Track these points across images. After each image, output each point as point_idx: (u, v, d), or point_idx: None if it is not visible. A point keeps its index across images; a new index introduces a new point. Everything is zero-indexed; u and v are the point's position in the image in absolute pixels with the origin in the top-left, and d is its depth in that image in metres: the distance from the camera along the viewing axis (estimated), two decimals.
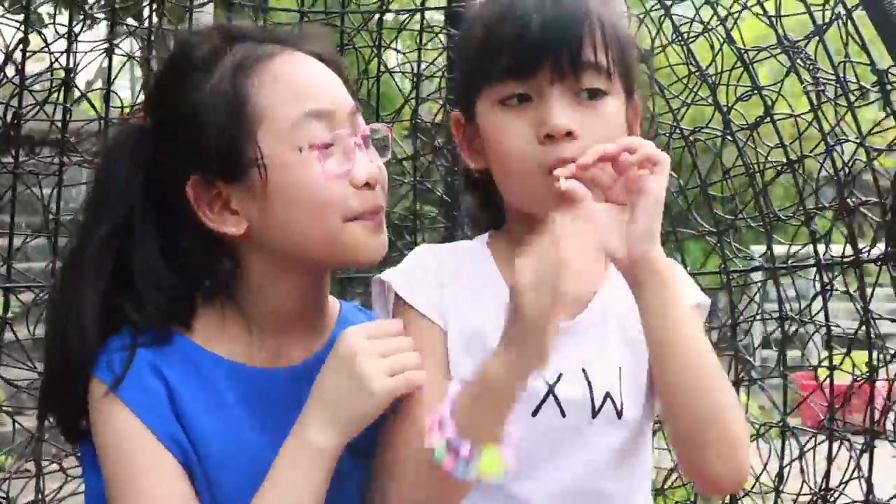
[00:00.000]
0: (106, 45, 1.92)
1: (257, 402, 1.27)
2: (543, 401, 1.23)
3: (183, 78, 1.25)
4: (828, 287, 1.81)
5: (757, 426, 1.95)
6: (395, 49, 2.18)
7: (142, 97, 1.95)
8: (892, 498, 1.69)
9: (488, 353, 1.22)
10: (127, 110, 2.05)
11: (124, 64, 2.10)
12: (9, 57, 1.78)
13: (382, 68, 2.19)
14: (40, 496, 1.89)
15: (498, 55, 1.21)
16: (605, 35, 1.21)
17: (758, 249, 1.99)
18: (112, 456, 1.19)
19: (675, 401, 1.17)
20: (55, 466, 1.92)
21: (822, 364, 1.83)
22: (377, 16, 2.15)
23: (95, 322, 1.23)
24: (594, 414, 1.23)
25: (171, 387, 1.21)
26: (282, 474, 1.21)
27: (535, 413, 1.23)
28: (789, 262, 1.89)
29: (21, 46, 1.78)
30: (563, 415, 1.23)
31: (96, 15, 1.95)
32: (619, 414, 1.23)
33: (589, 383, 1.23)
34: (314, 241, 1.24)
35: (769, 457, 1.92)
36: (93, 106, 2.00)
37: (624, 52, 1.25)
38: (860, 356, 1.78)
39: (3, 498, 1.85)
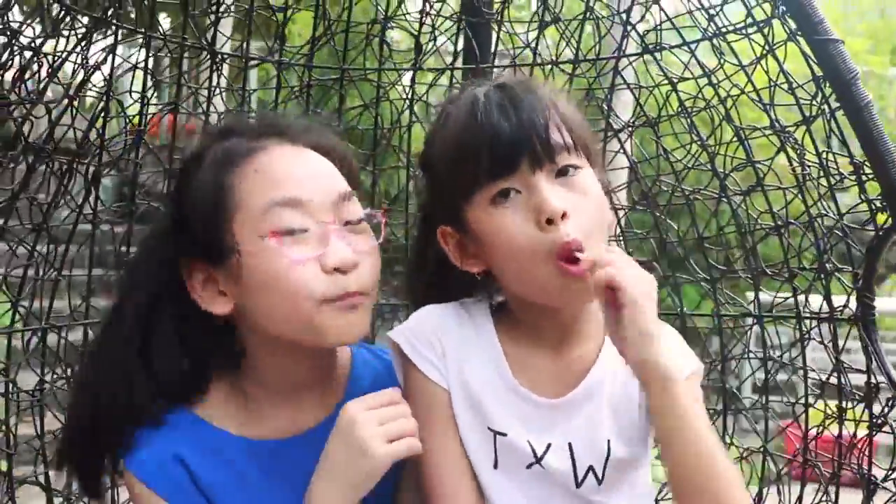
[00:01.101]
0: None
1: (279, 474, 1.38)
2: (533, 464, 1.39)
3: (186, 172, 1.40)
4: (806, 337, 2.08)
5: (740, 450, 2.23)
6: (426, 102, 2.40)
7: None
8: None
9: (484, 414, 1.39)
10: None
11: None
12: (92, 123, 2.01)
13: (414, 119, 2.42)
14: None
15: (478, 161, 1.30)
16: (564, 118, 1.35)
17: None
18: None
19: (679, 483, 1.27)
20: None
21: (799, 402, 2.12)
22: (411, 72, 2.39)
23: (141, 383, 1.36)
24: (577, 484, 1.38)
25: (194, 475, 1.35)
26: None
27: (528, 467, 1.39)
28: (773, 311, 2.16)
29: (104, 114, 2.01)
30: (550, 475, 1.38)
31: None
32: (600, 483, 1.38)
33: (573, 458, 1.38)
34: (289, 323, 1.32)
35: (751, 477, 2.21)
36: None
37: (580, 131, 1.38)
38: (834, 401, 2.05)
39: None
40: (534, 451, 1.40)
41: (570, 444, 1.39)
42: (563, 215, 1.30)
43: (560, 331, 1.43)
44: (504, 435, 1.41)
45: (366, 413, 1.31)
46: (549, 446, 1.40)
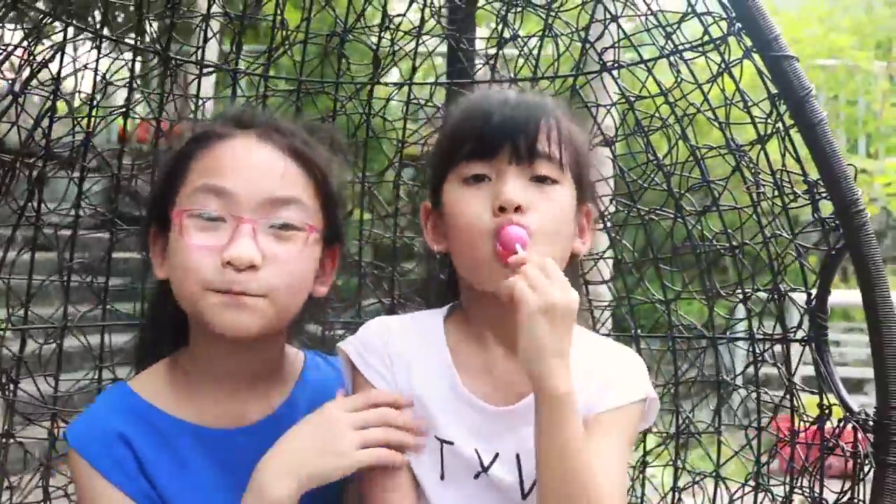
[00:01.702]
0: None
1: (221, 464, 1.40)
2: (480, 473, 1.38)
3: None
4: (759, 358, 2.06)
5: (693, 474, 2.20)
6: (383, 117, 2.38)
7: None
8: None
9: (430, 422, 1.39)
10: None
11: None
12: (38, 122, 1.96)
13: (370, 134, 2.40)
14: None
15: (464, 141, 1.38)
16: (560, 135, 1.39)
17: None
18: None
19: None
20: (61, 493, 2.11)
21: (752, 425, 2.09)
22: (368, 87, 2.37)
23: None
24: (524, 496, 1.38)
25: (137, 454, 1.36)
26: None
27: (476, 477, 1.39)
28: (727, 332, 2.14)
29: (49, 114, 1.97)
30: (497, 488, 1.38)
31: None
32: None
33: (520, 470, 1.37)
34: (183, 301, 1.37)
35: (703, 502, 2.18)
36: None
37: (578, 158, 1.43)
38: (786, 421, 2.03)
39: None
40: (480, 460, 1.38)
41: (517, 455, 1.37)
42: (518, 208, 1.34)
43: (508, 333, 1.38)
44: (451, 444, 1.40)
45: (347, 418, 1.34)
46: (496, 456, 1.39)
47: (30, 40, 1.83)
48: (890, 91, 8.27)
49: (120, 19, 2.19)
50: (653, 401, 1.45)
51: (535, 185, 1.37)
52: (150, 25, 2.07)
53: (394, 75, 2.45)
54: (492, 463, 1.38)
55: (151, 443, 1.38)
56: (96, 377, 2.18)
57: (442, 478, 1.40)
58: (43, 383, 2.09)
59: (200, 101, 2.24)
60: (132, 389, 1.44)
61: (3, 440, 2.00)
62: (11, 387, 2.03)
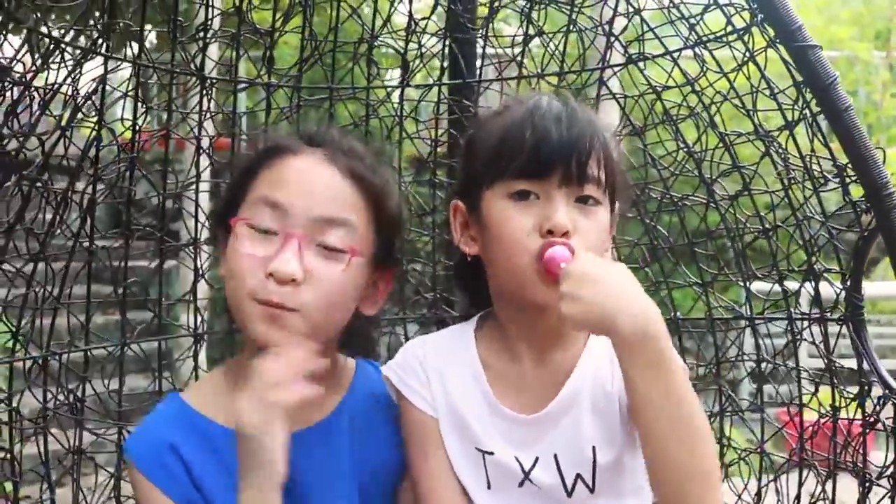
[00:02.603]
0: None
1: None
2: (523, 480, 1.43)
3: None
4: (798, 338, 2.11)
5: (739, 451, 2.26)
6: (415, 118, 2.43)
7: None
8: None
9: (470, 434, 1.45)
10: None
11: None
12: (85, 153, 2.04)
13: (404, 134, 2.45)
14: None
15: (516, 156, 1.39)
16: (606, 157, 1.42)
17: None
18: None
19: (656, 468, 1.28)
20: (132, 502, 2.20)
21: (793, 402, 2.14)
22: (399, 90, 2.42)
23: None
24: (569, 494, 1.42)
25: (187, 464, 1.43)
26: None
27: (520, 485, 1.44)
28: (765, 313, 2.19)
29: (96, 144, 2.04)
30: (540, 489, 1.43)
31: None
32: (592, 490, 1.42)
33: (559, 469, 1.42)
34: (231, 306, 1.43)
35: (749, 478, 2.23)
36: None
37: (616, 171, 1.45)
38: (828, 396, 2.08)
39: None
40: (522, 466, 1.44)
41: (555, 456, 1.42)
42: (566, 233, 1.37)
43: (538, 337, 1.46)
44: (491, 454, 1.45)
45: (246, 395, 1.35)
46: (536, 460, 1.44)
47: (73, 76, 1.89)
48: (890, 81, 8.19)
49: (148, 44, 2.22)
50: (686, 374, 1.43)
51: (579, 206, 1.40)
52: (184, 49, 2.12)
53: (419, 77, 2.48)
54: (532, 467, 1.43)
55: (199, 450, 1.45)
56: (156, 388, 2.27)
57: (489, 487, 1.46)
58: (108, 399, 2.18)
59: (236, 116, 2.30)
60: (183, 399, 1.51)
61: (75, 457, 2.09)
62: (79, 406, 2.11)
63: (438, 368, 1.49)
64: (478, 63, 2.40)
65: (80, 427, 2.10)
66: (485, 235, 1.45)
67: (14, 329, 1.97)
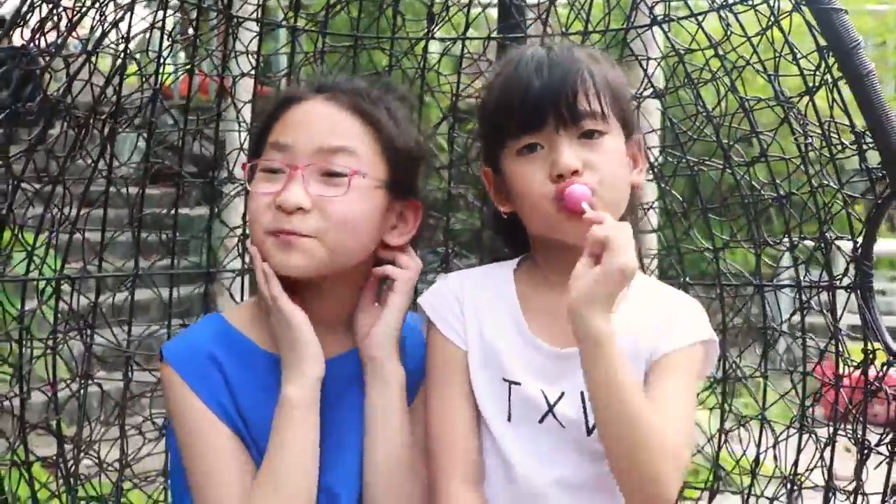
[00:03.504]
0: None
1: None
2: (546, 414, 1.45)
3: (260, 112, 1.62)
4: (805, 305, 2.12)
5: (739, 417, 2.27)
6: (438, 72, 2.44)
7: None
8: (849, 483, 2.00)
9: (500, 365, 1.47)
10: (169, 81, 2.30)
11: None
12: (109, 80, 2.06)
13: (425, 88, 2.46)
14: (123, 456, 2.21)
15: (510, 116, 1.44)
16: (597, 85, 1.44)
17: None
18: (180, 422, 1.48)
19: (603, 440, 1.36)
20: (135, 431, 2.24)
21: (797, 370, 2.15)
22: (423, 42, 2.43)
23: None
24: (589, 432, 1.44)
25: (226, 375, 1.49)
26: (274, 427, 1.45)
27: (541, 421, 1.46)
28: (774, 280, 2.20)
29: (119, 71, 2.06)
30: (563, 426, 1.45)
31: None
32: None
33: (584, 406, 1.44)
34: (256, 246, 1.50)
35: (748, 443, 2.25)
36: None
37: (617, 98, 1.47)
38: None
39: (96, 458, 2.15)
40: (547, 399, 1.46)
41: (581, 393, 1.44)
42: (575, 172, 1.41)
43: None
44: (518, 384, 1.48)
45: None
46: (562, 395, 1.46)
47: (101, 1, 1.91)
48: None
49: None
50: (714, 344, 1.50)
51: (584, 142, 1.43)
52: None
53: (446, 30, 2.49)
54: (557, 401, 1.46)
55: (239, 365, 1.50)
56: (166, 325, 2.29)
57: (509, 419, 1.47)
58: (118, 332, 2.20)
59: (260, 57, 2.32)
60: (225, 318, 1.57)
61: (82, 381, 2.12)
62: (88, 332, 2.14)
63: (475, 302, 1.52)
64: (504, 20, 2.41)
65: (88, 351, 2.12)
66: (510, 194, 1.50)
67: (29, 249, 1.99)
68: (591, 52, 1.52)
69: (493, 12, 2.62)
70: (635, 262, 1.35)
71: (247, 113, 2.34)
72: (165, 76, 2.14)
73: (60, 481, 2.06)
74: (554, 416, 1.46)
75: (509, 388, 1.47)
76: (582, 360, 1.34)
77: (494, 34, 2.40)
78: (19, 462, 1.95)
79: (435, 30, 2.39)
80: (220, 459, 1.46)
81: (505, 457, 1.48)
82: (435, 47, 2.39)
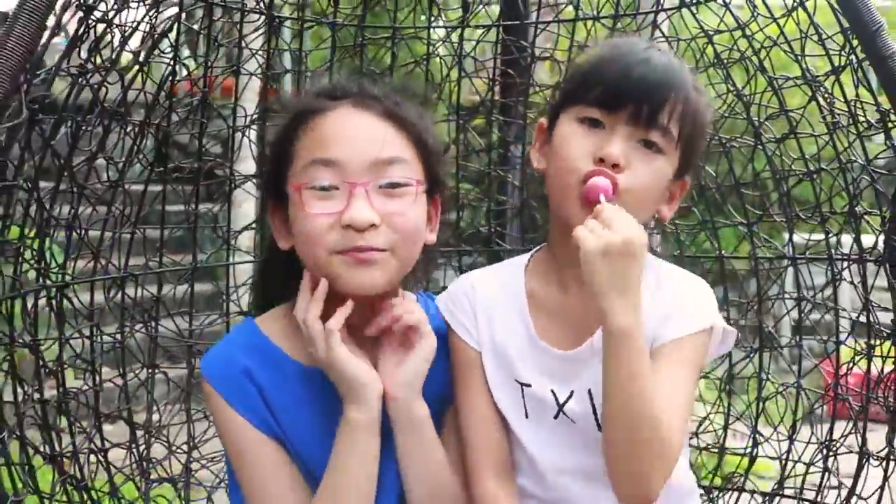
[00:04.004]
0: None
1: (328, 399, 1.52)
2: (558, 413, 1.53)
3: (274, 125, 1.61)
4: (837, 278, 2.18)
5: (776, 386, 2.34)
6: (474, 57, 2.51)
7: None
8: (882, 450, 2.08)
9: (511, 367, 1.53)
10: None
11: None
12: (161, 86, 2.17)
13: (462, 74, 2.54)
14: (191, 439, 2.35)
15: (595, 85, 1.47)
16: (684, 111, 1.46)
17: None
18: (226, 438, 1.53)
19: (605, 432, 1.40)
20: (201, 414, 2.38)
21: (830, 339, 2.22)
22: (458, 30, 2.50)
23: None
24: (599, 427, 1.49)
25: (262, 388, 1.52)
26: (336, 450, 1.47)
27: (555, 417, 1.53)
28: (807, 253, 2.26)
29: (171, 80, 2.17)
30: (574, 423, 1.52)
31: None
32: None
33: (592, 404, 1.50)
34: (313, 267, 1.49)
35: (785, 411, 2.32)
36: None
37: (693, 134, 1.49)
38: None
39: (165, 442, 2.30)
40: (557, 399, 1.53)
41: (588, 391, 1.50)
42: (616, 165, 1.43)
43: None
44: (529, 386, 1.55)
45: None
46: (571, 394, 1.53)
47: (151, 14, 2.01)
48: None
49: None
50: (722, 330, 1.52)
51: (641, 147, 1.46)
52: None
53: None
54: (567, 400, 1.52)
55: (274, 378, 1.53)
56: (224, 313, 2.42)
57: (526, 416, 1.55)
58: (180, 322, 2.34)
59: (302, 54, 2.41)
60: (259, 328, 1.58)
61: (150, 371, 2.26)
62: (153, 324, 2.27)
63: (486, 303, 1.57)
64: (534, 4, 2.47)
65: (155, 343, 2.26)
66: (550, 152, 1.53)
67: (95, 251, 2.12)
68: (696, 82, 1.53)
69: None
70: (632, 233, 1.36)
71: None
72: (213, 77, 2.23)
73: (134, 465, 2.20)
74: (564, 414, 1.52)
75: (521, 389, 1.55)
76: (603, 353, 1.38)
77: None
78: (96, 449, 2.09)
79: (470, 17, 2.46)
80: (269, 473, 1.50)
81: (526, 450, 1.55)
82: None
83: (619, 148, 1.44)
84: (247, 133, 2.37)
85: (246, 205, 3.85)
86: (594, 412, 1.50)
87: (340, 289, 1.47)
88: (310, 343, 1.48)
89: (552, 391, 1.52)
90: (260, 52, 2.34)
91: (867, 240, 2.08)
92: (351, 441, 1.47)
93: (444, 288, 1.70)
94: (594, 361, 1.46)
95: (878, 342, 2.10)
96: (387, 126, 1.50)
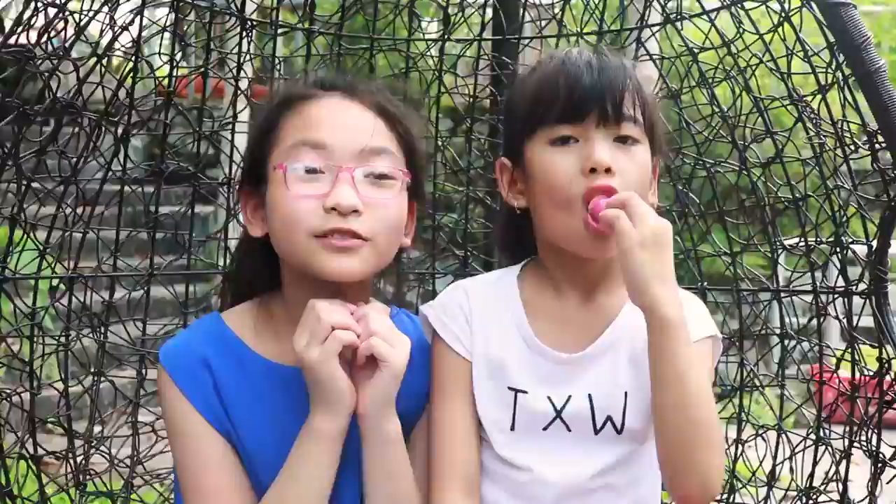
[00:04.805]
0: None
1: (290, 397, 1.47)
2: (553, 420, 1.46)
3: (260, 111, 1.55)
4: (823, 312, 2.05)
5: (757, 427, 2.20)
6: (454, 73, 2.43)
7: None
8: (862, 500, 1.93)
9: (506, 374, 1.48)
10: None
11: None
12: (121, 83, 2.10)
13: (443, 89, 2.46)
14: (135, 453, 2.25)
15: (553, 102, 1.44)
16: (641, 98, 1.45)
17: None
18: (172, 426, 1.48)
19: (661, 428, 1.37)
20: (148, 428, 2.27)
21: (813, 378, 2.08)
22: (439, 43, 2.42)
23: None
24: (596, 432, 1.45)
25: (218, 381, 1.47)
26: (293, 456, 1.41)
27: (545, 428, 1.46)
28: (791, 286, 2.13)
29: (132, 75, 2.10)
30: (569, 430, 1.46)
31: None
32: (620, 431, 1.44)
33: (592, 408, 1.45)
34: (288, 251, 1.44)
35: (765, 455, 2.18)
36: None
37: (651, 115, 1.48)
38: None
39: (107, 454, 2.19)
40: (554, 405, 1.47)
41: (589, 396, 1.45)
42: (608, 169, 1.41)
43: (586, 281, 1.49)
44: (525, 392, 1.48)
45: (304, 328, 1.40)
46: (569, 398, 1.46)
47: (110, 4, 1.94)
48: None
49: None
50: (718, 341, 1.51)
51: (619, 145, 1.43)
52: None
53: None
54: (564, 405, 1.46)
55: (232, 372, 1.48)
56: (181, 322, 2.32)
57: (512, 428, 1.48)
58: (132, 329, 2.24)
59: (275, 60, 2.34)
60: (223, 321, 1.54)
61: (95, 378, 2.16)
62: (102, 329, 2.18)
63: (480, 312, 1.52)
64: (518, 20, 2.39)
65: (102, 349, 2.16)
66: (531, 185, 1.48)
67: (42, 247, 2.04)
68: (631, 64, 1.51)
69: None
70: (664, 221, 1.37)
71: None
72: (177, 79, 2.16)
73: (69, 476, 2.09)
74: (562, 420, 1.46)
75: (515, 396, 1.48)
76: (651, 348, 1.36)
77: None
78: (28, 455, 1.99)
79: (451, 31, 2.39)
80: (211, 467, 1.45)
81: (509, 464, 1.48)
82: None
83: (604, 151, 1.42)
84: (216, 137, 2.29)
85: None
86: (592, 417, 1.45)
87: (315, 274, 1.43)
88: (305, 336, 1.40)
89: (549, 398, 1.47)
90: (230, 56, 2.27)
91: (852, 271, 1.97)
92: (312, 450, 1.42)
93: (418, 311, 1.61)
94: (596, 364, 1.45)
95: (862, 382, 1.96)
96: (376, 118, 1.49)
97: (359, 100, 1.49)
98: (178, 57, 2.17)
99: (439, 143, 2.45)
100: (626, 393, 1.44)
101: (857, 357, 1.96)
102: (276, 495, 1.42)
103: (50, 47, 1.88)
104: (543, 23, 2.33)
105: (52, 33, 1.87)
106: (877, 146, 1.80)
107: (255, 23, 2.27)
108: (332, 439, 1.41)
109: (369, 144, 1.44)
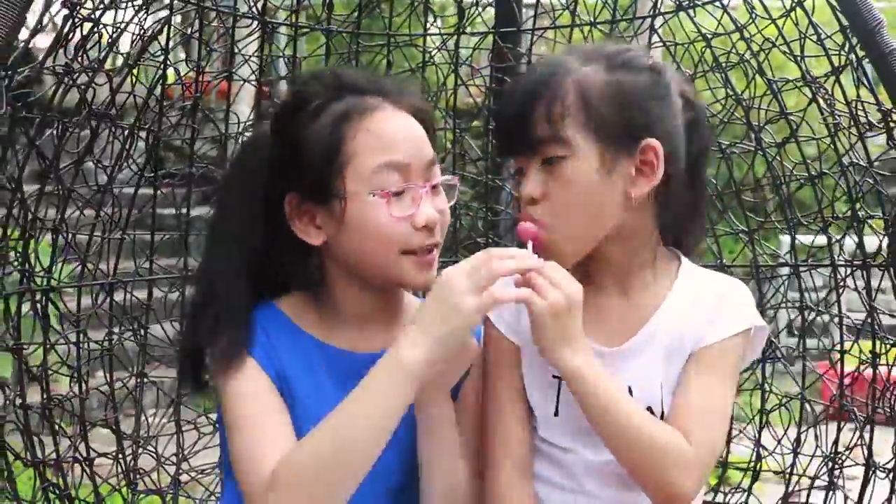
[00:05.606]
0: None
1: (338, 376, 1.52)
2: None
3: (296, 117, 1.53)
4: (841, 284, 2.12)
5: (779, 397, 2.28)
6: (470, 65, 2.48)
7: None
8: (888, 461, 2.01)
9: (549, 367, 1.50)
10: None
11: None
12: (151, 90, 2.14)
13: (459, 82, 2.51)
14: (180, 450, 2.31)
15: (497, 140, 1.54)
16: (564, 106, 1.41)
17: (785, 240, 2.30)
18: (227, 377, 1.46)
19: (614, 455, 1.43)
20: (191, 426, 2.33)
21: (835, 348, 2.16)
22: (454, 37, 2.47)
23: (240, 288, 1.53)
24: None
25: (275, 347, 1.50)
26: (369, 382, 1.40)
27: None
28: (809, 259, 2.21)
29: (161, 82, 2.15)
30: None
31: None
32: (661, 418, 1.47)
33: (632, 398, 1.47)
34: (374, 264, 1.50)
35: (789, 424, 2.26)
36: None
37: (602, 105, 1.41)
38: (868, 344, 2.09)
39: (153, 452, 2.25)
40: None
41: (629, 388, 1.48)
42: (532, 201, 1.44)
43: (619, 276, 1.51)
44: None
45: (459, 273, 1.42)
46: None
47: (140, 16, 1.99)
48: None
49: None
50: (759, 329, 1.50)
51: (546, 168, 1.43)
52: None
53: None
54: None
55: (286, 341, 1.53)
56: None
57: (556, 413, 1.52)
58: (170, 329, 2.30)
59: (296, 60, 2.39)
60: (276, 306, 1.57)
61: (138, 380, 2.22)
62: (142, 332, 2.24)
63: None
64: (531, 11, 2.44)
65: (143, 350, 2.22)
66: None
67: (82, 256, 2.09)
68: (590, 56, 1.46)
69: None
70: (571, 290, 1.39)
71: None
72: (204, 82, 2.21)
73: (121, 476, 2.15)
74: None
75: (559, 384, 1.51)
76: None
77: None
78: (81, 458, 2.05)
79: (466, 24, 2.44)
80: (265, 409, 1.46)
81: (555, 446, 1.52)
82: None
83: (529, 182, 1.44)
84: (239, 139, 2.34)
85: None
86: None
87: (402, 285, 1.53)
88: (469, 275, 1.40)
89: None
90: (253, 58, 2.31)
91: (869, 242, 2.04)
92: (385, 376, 1.41)
93: None
94: (635, 358, 1.47)
95: (882, 349, 2.04)
96: (418, 125, 1.53)
97: (404, 108, 1.52)
98: (204, 62, 2.21)
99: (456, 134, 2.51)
100: (661, 384, 1.47)
101: (876, 327, 2.04)
102: (336, 419, 1.42)
103: (86, 60, 1.93)
104: (556, 13, 2.39)
105: (88, 46, 1.92)
106: (892, 124, 1.87)
107: (276, 25, 2.31)
108: (416, 375, 1.41)
109: (429, 156, 1.52)
